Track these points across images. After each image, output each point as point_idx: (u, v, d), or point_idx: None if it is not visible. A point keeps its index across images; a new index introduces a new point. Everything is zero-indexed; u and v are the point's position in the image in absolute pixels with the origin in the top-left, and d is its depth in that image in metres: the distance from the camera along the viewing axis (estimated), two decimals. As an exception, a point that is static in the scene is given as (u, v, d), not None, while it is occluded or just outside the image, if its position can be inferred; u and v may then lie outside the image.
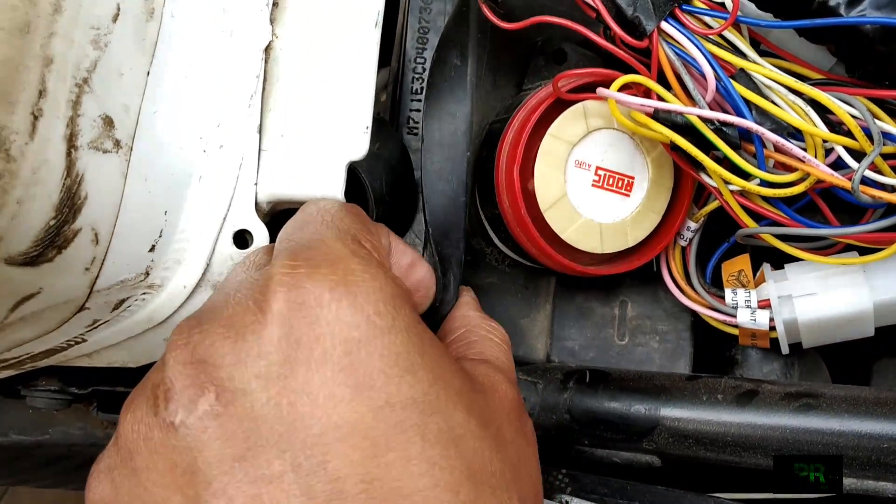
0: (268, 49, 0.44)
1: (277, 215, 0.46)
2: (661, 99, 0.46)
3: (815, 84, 0.47)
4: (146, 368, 0.49)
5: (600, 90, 0.47)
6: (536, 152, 0.49)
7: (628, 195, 0.51)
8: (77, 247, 0.38)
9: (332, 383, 0.31)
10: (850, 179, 0.44)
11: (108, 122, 0.38)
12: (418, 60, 0.55)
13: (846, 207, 0.48)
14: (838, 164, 0.45)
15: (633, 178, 0.51)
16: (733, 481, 0.55)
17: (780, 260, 0.53)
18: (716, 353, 0.57)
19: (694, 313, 0.56)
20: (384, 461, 0.31)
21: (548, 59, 0.58)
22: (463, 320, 0.45)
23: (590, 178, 0.50)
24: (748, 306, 0.52)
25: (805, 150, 0.45)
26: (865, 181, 0.44)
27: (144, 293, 0.43)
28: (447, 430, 0.32)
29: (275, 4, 0.44)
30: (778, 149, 0.45)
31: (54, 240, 0.38)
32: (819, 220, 0.49)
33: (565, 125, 0.50)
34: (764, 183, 0.46)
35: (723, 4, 0.46)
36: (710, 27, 0.46)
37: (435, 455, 0.31)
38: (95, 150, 0.38)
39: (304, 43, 0.44)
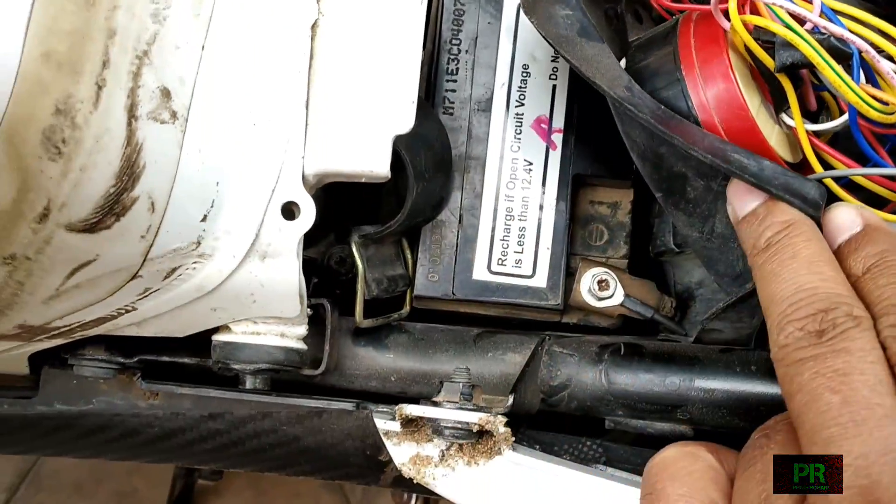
0: (314, 26, 0.45)
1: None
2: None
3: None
4: (190, 338, 0.50)
5: None
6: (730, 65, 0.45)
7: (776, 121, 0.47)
8: (134, 215, 0.40)
9: None
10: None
11: (166, 93, 0.39)
12: (454, 42, 0.56)
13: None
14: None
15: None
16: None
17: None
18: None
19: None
20: None
21: (636, 17, 0.58)
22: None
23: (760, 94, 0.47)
24: None
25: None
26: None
27: (195, 262, 0.44)
28: None
29: (322, -19, 0.45)
30: (881, 73, 0.42)
31: (113, 207, 0.39)
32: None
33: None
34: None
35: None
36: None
37: None
38: (154, 121, 0.39)
39: (349, 19, 0.45)
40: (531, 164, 0.54)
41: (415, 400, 0.51)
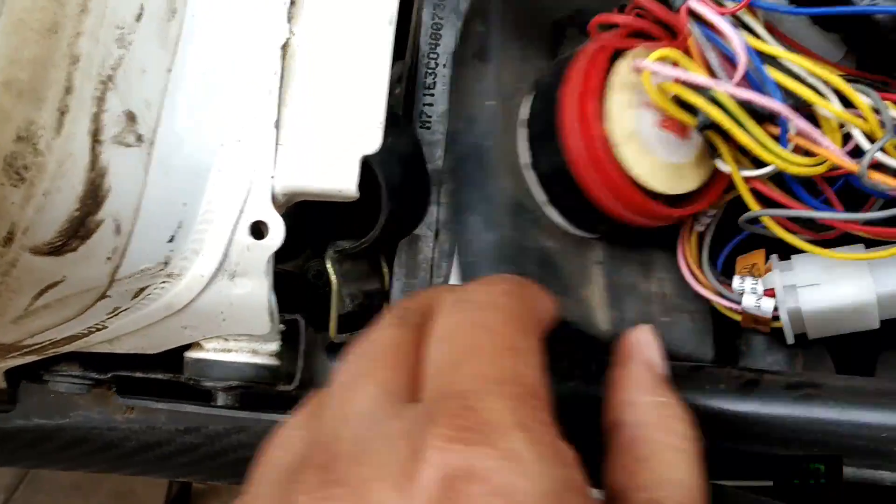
0: (285, 46, 0.45)
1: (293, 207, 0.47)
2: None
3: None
4: (164, 354, 0.50)
5: (636, 62, 0.46)
6: (604, 90, 0.47)
7: (689, 138, 0.49)
8: (100, 237, 0.40)
9: None
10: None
11: (131, 117, 0.40)
12: (431, 56, 0.56)
13: (859, 202, 0.48)
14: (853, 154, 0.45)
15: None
16: (735, 469, 0.56)
17: (791, 254, 0.54)
18: (722, 343, 0.58)
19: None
20: None
21: (583, 30, 0.57)
22: (629, 412, 0.35)
23: (654, 118, 0.48)
24: (754, 293, 0.53)
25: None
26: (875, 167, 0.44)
27: (164, 282, 0.44)
28: None
29: (292, 3, 0.45)
30: (800, 132, 0.45)
31: (78, 230, 0.39)
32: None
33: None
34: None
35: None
36: (724, 6, 0.45)
37: None
38: (118, 145, 0.39)
39: (320, 40, 0.45)
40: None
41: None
